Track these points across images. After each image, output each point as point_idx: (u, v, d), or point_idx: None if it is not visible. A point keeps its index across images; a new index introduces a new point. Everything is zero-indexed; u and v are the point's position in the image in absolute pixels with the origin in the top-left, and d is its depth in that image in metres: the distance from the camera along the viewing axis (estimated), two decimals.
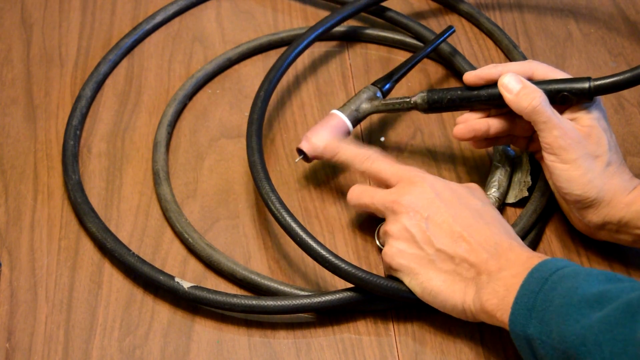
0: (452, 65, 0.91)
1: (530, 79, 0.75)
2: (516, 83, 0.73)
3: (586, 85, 0.72)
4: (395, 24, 0.95)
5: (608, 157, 0.72)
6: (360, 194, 0.75)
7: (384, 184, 0.75)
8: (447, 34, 0.89)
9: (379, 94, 0.83)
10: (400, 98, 0.81)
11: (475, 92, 0.77)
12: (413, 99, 0.80)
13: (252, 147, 0.77)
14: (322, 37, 0.95)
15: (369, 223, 0.81)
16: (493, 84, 0.76)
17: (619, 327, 0.56)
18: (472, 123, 0.77)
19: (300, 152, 0.80)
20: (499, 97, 0.74)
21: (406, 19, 0.94)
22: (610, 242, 0.76)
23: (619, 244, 0.75)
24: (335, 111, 0.82)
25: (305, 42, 0.87)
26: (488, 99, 0.76)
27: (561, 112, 0.74)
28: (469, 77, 0.77)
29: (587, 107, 0.73)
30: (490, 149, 0.86)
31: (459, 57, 0.90)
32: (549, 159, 0.72)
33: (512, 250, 0.68)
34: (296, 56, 0.87)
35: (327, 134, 0.80)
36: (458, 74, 0.91)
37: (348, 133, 0.82)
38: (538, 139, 0.78)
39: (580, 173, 0.71)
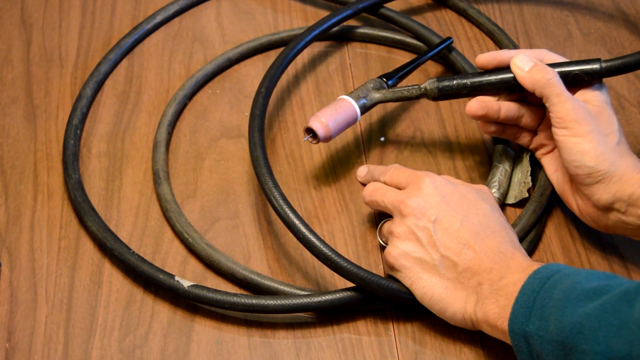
0: (453, 66, 0.91)
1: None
2: (529, 61, 0.75)
3: (597, 66, 0.74)
4: (395, 24, 0.95)
5: (618, 136, 0.73)
6: (374, 191, 0.76)
7: (398, 187, 0.76)
8: (445, 44, 0.90)
9: (384, 85, 0.83)
10: (410, 86, 0.81)
11: (486, 76, 0.77)
12: (423, 86, 0.80)
13: (255, 142, 0.77)
14: (322, 37, 0.95)
15: (369, 223, 0.81)
16: (503, 68, 0.77)
17: (615, 312, 0.57)
18: (485, 100, 0.77)
19: (309, 131, 0.79)
20: (510, 80, 0.76)
21: (406, 19, 0.94)
22: (613, 234, 0.75)
23: (622, 237, 0.75)
24: (344, 96, 0.81)
25: (306, 40, 0.87)
26: (499, 82, 0.77)
27: (572, 94, 0.75)
28: (482, 58, 0.79)
29: (597, 90, 0.75)
30: (491, 148, 0.86)
31: (459, 57, 0.90)
32: (560, 134, 0.72)
33: (514, 259, 0.68)
34: (297, 53, 0.87)
35: (337, 117, 0.79)
36: (458, 74, 0.91)
37: (355, 119, 0.81)
38: (542, 133, 0.78)
39: (593, 146, 0.71)
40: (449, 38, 0.90)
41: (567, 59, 0.77)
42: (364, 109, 0.81)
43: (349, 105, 0.80)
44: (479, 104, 0.77)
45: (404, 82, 0.88)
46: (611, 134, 0.73)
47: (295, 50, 0.86)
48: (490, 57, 0.79)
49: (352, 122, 0.80)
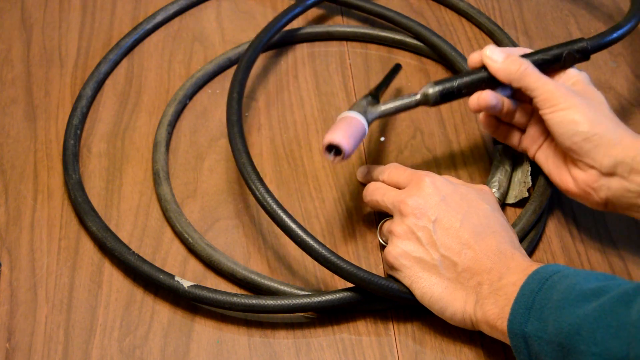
0: (452, 66, 0.91)
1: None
2: (500, 52, 0.76)
3: (584, 44, 0.77)
4: (395, 24, 0.95)
5: (609, 107, 0.73)
6: (374, 191, 0.76)
7: (397, 186, 0.76)
8: (397, 72, 0.90)
9: (375, 101, 0.80)
10: (407, 96, 0.78)
11: (482, 74, 0.77)
12: (422, 93, 0.78)
13: (239, 149, 0.76)
14: (321, 37, 0.96)
15: (369, 222, 0.81)
16: None
17: (612, 313, 0.56)
18: (493, 92, 0.77)
19: (330, 148, 0.72)
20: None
21: (406, 19, 0.94)
22: (613, 211, 0.74)
23: (622, 237, 0.75)
24: (349, 113, 0.76)
25: (264, 40, 0.88)
26: (495, 78, 0.77)
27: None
28: (474, 57, 0.78)
29: (578, 73, 0.77)
30: (491, 148, 0.86)
31: (459, 57, 0.90)
32: (549, 111, 0.72)
33: (513, 259, 0.68)
34: (256, 57, 0.87)
35: (354, 132, 0.74)
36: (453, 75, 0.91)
37: (364, 134, 0.76)
38: (531, 130, 0.78)
39: (583, 114, 0.71)
40: (398, 65, 0.90)
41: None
42: (367, 123, 0.79)
43: (357, 121, 0.75)
44: (491, 94, 0.76)
45: (404, 81, 0.88)
46: (601, 105, 0.73)
47: (255, 53, 0.86)
48: (480, 55, 0.78)
49: (363, 137, 0.76)
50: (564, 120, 0.71)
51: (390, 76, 0.88)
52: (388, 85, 0.87)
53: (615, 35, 0.80)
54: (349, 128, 0.74)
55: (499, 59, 0.75)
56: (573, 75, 0.76)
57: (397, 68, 0.90)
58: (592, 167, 0.71)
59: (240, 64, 0.84)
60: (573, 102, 0.71)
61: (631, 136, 0.70)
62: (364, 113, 0.77)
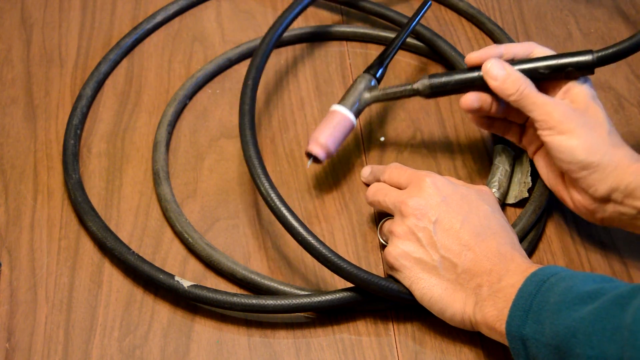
0: (452, 66, 0.91)
1: (530, 57, 0.76)
2: (500, 69, 0.74)
3: (589, 57, 0.74)
4: (395, 24, 0.95)
5: (608, 128, 0.72)
6: (376, 192, 0.76)
7: (399, 186, 0.76)
8: (425, 8, 0.88)
9: (373, 82, 0.83)
10: (402, 85, 0.81)
11: (477, 73, 0.77)
12: (415, 86, 0.79)
13: (247, 140, 0.76)
14: (321, 37, 0.96)
15: (369, 222, 0.81)
16: None
17: (608, 317, 0.56)
18: (479, 93, 0.77)
19: (309, 155, 0.79)
20: None
21: (406, 19, 0.94)
22: (610, 230, 0.74)
23: (622, 237, 0.75)
24: (336, 107, 0.80)
25: (295, 12, 0.86)
26: None
27: (555, 94, 0.75)
28: (472, 57, 0.78)
29: (581, 85, 0.74)
30: (491, 148, 0.86)
31: (459, 57, 0.90)
32: (546, 134, 0.72)
33: (513, 261, 0.68)
34: (282, 33, 0.85)
35: (334, 133, 0.79)
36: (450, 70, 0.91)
37: (352, 127, 0.81)
38: (530, 130, 0.78)
39: (581, 140, 0.70)
40: (427, 1, 0.89)
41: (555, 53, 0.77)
42: (358, 113, 0.81)
43: (343, 117, 0.80)
44: (475, 96, 0.76)
45: (403, 79, 0.88)
46: (600, 126, 0.72)
47: (280, 31, 0.85)
48: (479, 57, 0.77)
49: (350, 130, 0.80)
50: (561, 145, 0.71)
51: (416, 16, 0.87)
52: (408, 34, 0.87)
53: (624, 47, 0.74)
54: (332, 130, 0.79)
55: (499, 77, 0.74)
56: (575, 87, 0.74)
57: (424, 4, 0.88)
58: (586, 192, 0.72)
59: (262, 45, 0.83)
60: (571, 126, 0.71)
61: (627, 159, 0.70)
62: (358, 100, 0.80)
